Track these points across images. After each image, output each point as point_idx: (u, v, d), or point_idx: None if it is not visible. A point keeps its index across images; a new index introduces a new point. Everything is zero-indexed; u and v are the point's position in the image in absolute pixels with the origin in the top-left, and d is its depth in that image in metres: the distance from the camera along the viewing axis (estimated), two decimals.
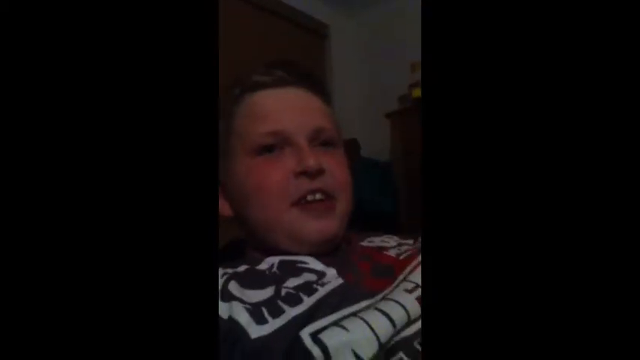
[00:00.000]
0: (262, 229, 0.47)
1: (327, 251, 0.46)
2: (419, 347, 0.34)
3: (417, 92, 1.80)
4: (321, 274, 0.42)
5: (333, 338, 0.33)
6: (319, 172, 0.46)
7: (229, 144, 0.48)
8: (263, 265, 0.44)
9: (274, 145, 0.46)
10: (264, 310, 0.36)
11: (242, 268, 0.44)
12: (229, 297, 0.37)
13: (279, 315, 0.35)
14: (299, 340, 0.33)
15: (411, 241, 0.56)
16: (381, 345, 0.34)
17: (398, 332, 0.35)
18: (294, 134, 0.47)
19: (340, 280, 0.41)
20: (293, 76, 0.49)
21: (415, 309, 0.38)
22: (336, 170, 0.48)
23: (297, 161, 0.45)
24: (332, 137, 0.49)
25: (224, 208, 0.50)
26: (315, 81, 0.51)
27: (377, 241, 0.55)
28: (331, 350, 0.32)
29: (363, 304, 0.38)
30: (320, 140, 0.48)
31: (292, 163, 0.46)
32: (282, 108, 0.48)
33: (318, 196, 0.46)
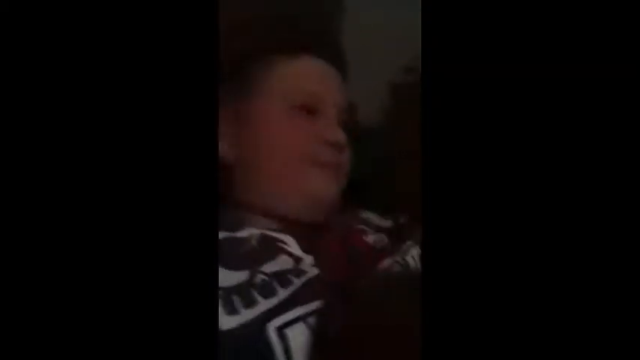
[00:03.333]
0: (279, 182, 0.49)
1: (315, 223, 0.48)
2: None
3: None
4: (297, 261, 0.42)
5: (297, 338, 0.33)
6: (344, 148, 0.50)
7: (253, 102, 0.50)
8: (242, 233, 0.44)
9: (310, 107, 0.49)
10: (236, 299, 0.35)
11: (220, 235, 0.42)
12: None
13: (251, 306, 0.35)
14: (265, 334, 0.32)
15: (389, 223, 0.55)
16: None
17: None
18: (330, 105, 0.51)
19: (315, 271, 0.40)
20: (325, 50, 0.53)
21: None
22: (348, 150, 0.52)
23: (330, 131, 0.49)
24: (348, 118, 0.54)
25: (228, 154, 0.50)
26: (342, 59, 0.55)
27: (356, 218, 0.55)
28: (293, 350, 0.33)
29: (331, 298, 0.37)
30: (343, 119, 0.52)
31: (324, 130, 0.49)
32: (322, 77, 0.52)
33: (334, 168, 0.50)
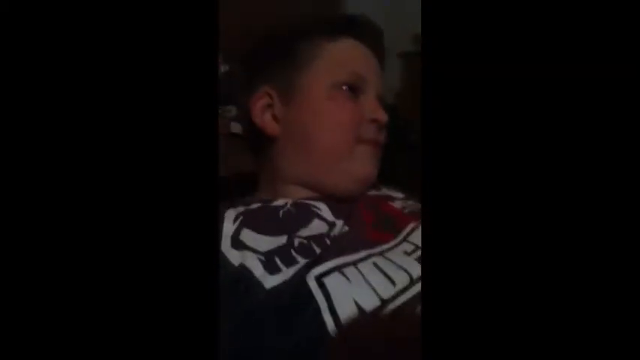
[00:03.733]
0: (324, 158, 0.50)
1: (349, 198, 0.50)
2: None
3: None
4: (331, 225, 0.44)
5: (335, 286, 0.36)
6: (384, 126, 0.52)
7: (299, 81, 0.51)
8: (278, 202, 0.47)
9: (354, 86, 0.51)
10: (277, 259, 0.38)
11: (255, 205, 0.45)
12: (242, 246, 0.38)
13: (292, 264, 0.38)
14: (305, 284, 0.34)
15: (412, 196, 0.57)
16: (382, 301, 0.35)
17: (400, 293, 0.37)
18: (371, 86, 0.52)
19: (346, 228, 0.42)
20: (367, 34, 0.54)
21: (416, 271, 0.39)
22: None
23: (372, 109, 0.51)
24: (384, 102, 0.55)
25: (272, 126, 0.51)
26: (382, 46, 0.57)
27: (384, 190, 0.56)
28: (333, 297, 0.34)
29: (362, 253, 0.40)
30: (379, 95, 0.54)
31: (368, 108, 0.51)
32: (364, 60, 0.54)
33: (377, 147, 0.52)
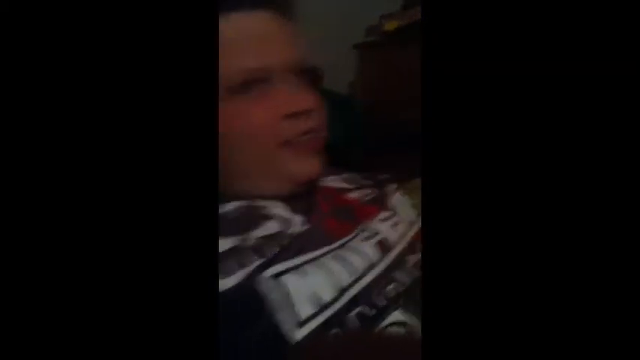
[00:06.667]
0: (250, 172, 0.44)
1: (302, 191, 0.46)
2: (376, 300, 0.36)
3: (390, 25, 1.73)
4: (288, 223, 0.42)
5: (293, 281, 0.34)
6: (309, 112, 0.43)
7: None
8: (229, 206, 0.43)
9: (255, 83, 0.41)
10: (231, 262, 0.36)
11: None
12: None
13: (247, 265, 0.36)
14: (259, 284, 0.33)
15: (370, 182, 0.57)
16: (342, 289, 0.35)
17: (358, 279, 0.36)
18: (278, 71, 0.42)
19: (306, 226, 0.41)
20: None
21: (374, 255, 0.39)
22: (319, 106, 0.45)
23: (286, 102, 0.42)
24: (309, 68, 0.45)
25: None
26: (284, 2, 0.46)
27: (338, 179, 0.55)
28: (292, 292, 0.33)
29: (324, 249, 0.39)
30: (301, 74, 0.44)
31: (279, 103, 0.42)
32: (258, 39, 0.42)
33: (307, 137, 0.44)
